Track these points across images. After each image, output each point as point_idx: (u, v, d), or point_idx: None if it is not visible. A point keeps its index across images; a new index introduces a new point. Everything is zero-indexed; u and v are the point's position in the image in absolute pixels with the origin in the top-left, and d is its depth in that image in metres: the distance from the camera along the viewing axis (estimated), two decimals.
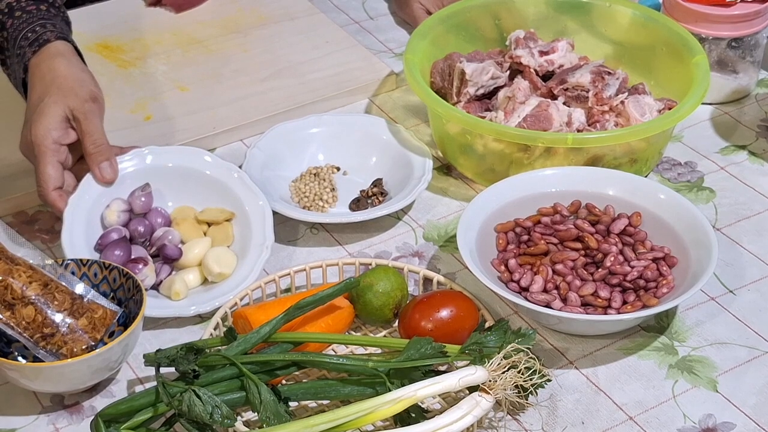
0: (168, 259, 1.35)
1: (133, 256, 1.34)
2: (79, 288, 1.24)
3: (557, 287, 1.28)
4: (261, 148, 1.49)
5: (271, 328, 1.19)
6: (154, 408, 1.14)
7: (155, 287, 1.34)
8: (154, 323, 1.32)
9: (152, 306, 1.29)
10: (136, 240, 1.37)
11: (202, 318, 1.32)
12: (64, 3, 1.51)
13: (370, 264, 1.33)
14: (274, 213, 1.42)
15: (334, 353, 1.26)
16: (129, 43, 1.76)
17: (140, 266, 1.32)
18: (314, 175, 1.50)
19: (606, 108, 1.48)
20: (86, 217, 1.36)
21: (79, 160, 1.40)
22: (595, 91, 1.49)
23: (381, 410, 1.12)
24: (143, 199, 1.39)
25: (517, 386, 1.14)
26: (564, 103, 1.50)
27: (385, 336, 1.30)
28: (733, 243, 1.41)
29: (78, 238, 1.34)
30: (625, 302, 1.27)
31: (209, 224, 1.40)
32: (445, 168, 1.54)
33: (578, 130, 1.47)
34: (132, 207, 1.39)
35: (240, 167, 1.45)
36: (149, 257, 1.35)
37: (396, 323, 1.29)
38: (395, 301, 1.28)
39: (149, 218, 1.39)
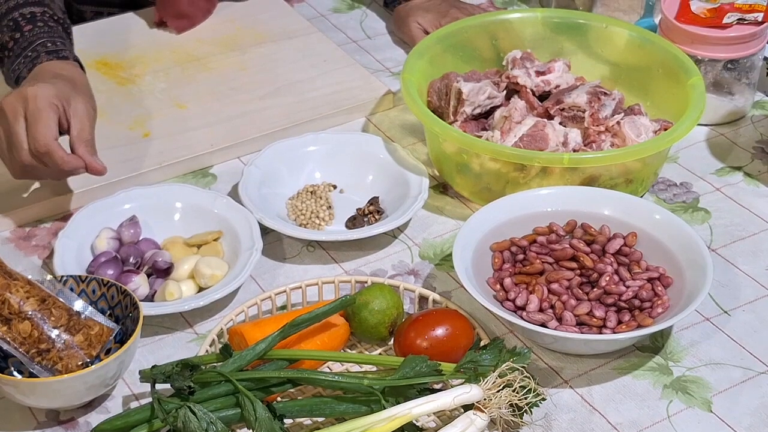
0: (160, 271, 1.36)
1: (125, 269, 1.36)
2: (78, 304, 1.24)
3: (552, 306, 1.29)
4: (258, 166, 1.50)
5: (267, 345, 1.19)
6: (150, 424, 1.15)
7: (150, 299, 1.35)
8: (150, 339, 1.32)
9: (147, 307, 1.30)
10: (128, 263, 1.38)
11: (197, 335, 1.33)
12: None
13: (366, 282, 1.33)
14: (271, 230, 1.42)
15: (329, 371, 1.27)
16: (128, 60, 1.76)
17: (133, 276, 1.33)
18: (311, 192, 1.50)
19: (602, 128, 1.49)
20: (77, 249, 1.39)
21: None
22: (591, 111, 1.49)
23: (376, 428, 1.12)
24: (132, 230, 1.41)
25: (511, 405, 1.14)
26: (560, 123, 1.51)
27: (380, 354, 1.30)
28: (728, 264, 1.41)
29: (70, 267, 1.35)
30: (620, 322, 1.27)
31: (198, 247, 1.41)
32: (441, 187, 1.54)
33: (574, 150, 1.48)
34: (121, 237, 1.41)
35: (237, 185, 1.46)
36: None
37: (391, 341, 1.29)
38: (391, 319, 1.28)
39: (139, 246, 1.41)
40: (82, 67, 1.48)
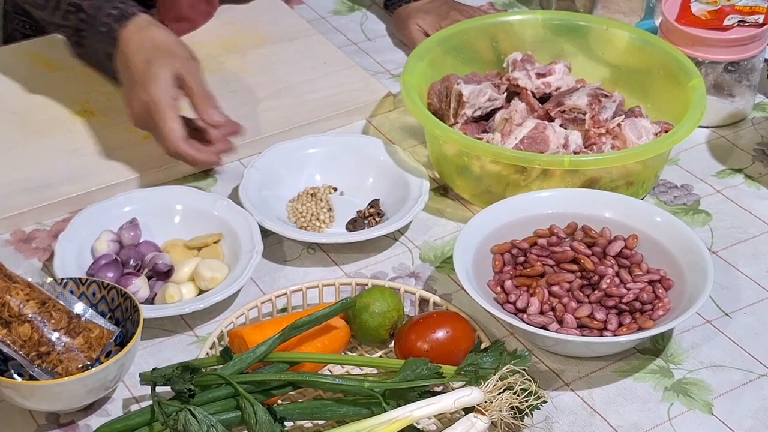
0: (160, 274, 1.36)
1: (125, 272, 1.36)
2: (78, 307, 1.24)
3: (553, 309, 1.28)
4: (258, 168, 1.50)
5: (267, 348, 1.19)
6: (150, 427, 1.14)
7: (150, 302, 1.35)
8: (150, 341, 1.32)
9: (147, 309, 1.30)
10: (128, 266, 1.38)
11: (198, 337, 1.33)
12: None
13: (367, 284, 1.33)
14: (271, 233, 1.42)
15: (330, 373, 1.26)
16: None
17: (133, 279, 1.33)
18: (311, 195, 1.50)
19: (603, 130, 1.49)
20: (77, 251, 1.38)
21: None
22: (592, 113, 1.49)
23: (377, 430, 1.12)
24: (132, 232, 1.41)
25: (512, 408, 1.14)
26: (561, 126, 1.51)
27: (381, 356, 1.30)
28: (729, 266, 1.41)
29: (70, 270, 1.35)
30: (620, 324, 1.27)
31: (199, 249, 1.41)
32: (441, 189, 1.54)
33: (575, 153, 1.47)
34: (121, 240, 1.41)
35: (237, 187, 1.46)
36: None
37: (392, 344, 1.29)
38: (391, 322, 1.28)
39: (139, 249, 1.40)
40: (146, 12, 1.53)
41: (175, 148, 1.44)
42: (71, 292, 1.26)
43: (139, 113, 1.48)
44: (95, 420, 1.23)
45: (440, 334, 1.24)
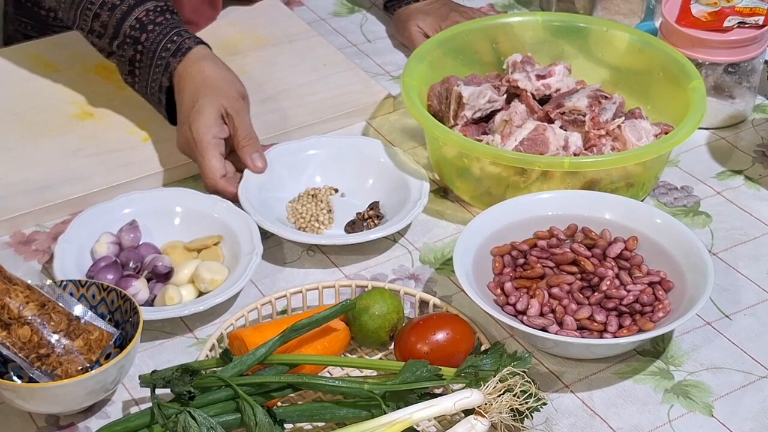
0: (160, 276, 1.36)
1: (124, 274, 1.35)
2: (77, 309, 1.24)
3: (553, 311, 1.28)
4: None
5: (267, 350, 1.19)
6: (150, 429, 1.14)
7: (149, 304, 1.35)
8: (150, 344, 1.32)
9: (147, 311, 1.30)
10: (128, 268, 1.38)
11: (197, 339, 1.32)
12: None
13: (367, 286, 1.33)
14: (271, 235, 1.42)
15: (329, 375, 1.26)
16: None
17: (133, 281, 1.33)
18: (312, 196, 1.50)
19: (603, 132, 1.49)
20: (77, 253, 1.38)
21: (231, 152, 1.50)
22: (592, 115, 1.49)
23: None
24: (131, 234, 1.41)
25: (512, 410, 1.14)
26: (561, 127, 1.51)
27: (380, 358, 1.30)
28: (730, 268, 1.41)
29: (70, 272, 1.35)
30: (621, 326, 1.27)
31: (199, 251, 1.41)
32: (441, 191, 1.54)
33: (575, 154, 1.47)
34: (121, 242, 1.41)
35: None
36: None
37: (392, 346, 1.29)
38: (391, 324, 1.28)
39: (139, 250, 1.40)
40: (203, 43, 1.55)
41: (213, 186, 1.46)
42: (71, 294, 1.26)
43: (183, 145, 1.51)
44: (95, 422, 1.23)
45: (440, 336, 1.24)
